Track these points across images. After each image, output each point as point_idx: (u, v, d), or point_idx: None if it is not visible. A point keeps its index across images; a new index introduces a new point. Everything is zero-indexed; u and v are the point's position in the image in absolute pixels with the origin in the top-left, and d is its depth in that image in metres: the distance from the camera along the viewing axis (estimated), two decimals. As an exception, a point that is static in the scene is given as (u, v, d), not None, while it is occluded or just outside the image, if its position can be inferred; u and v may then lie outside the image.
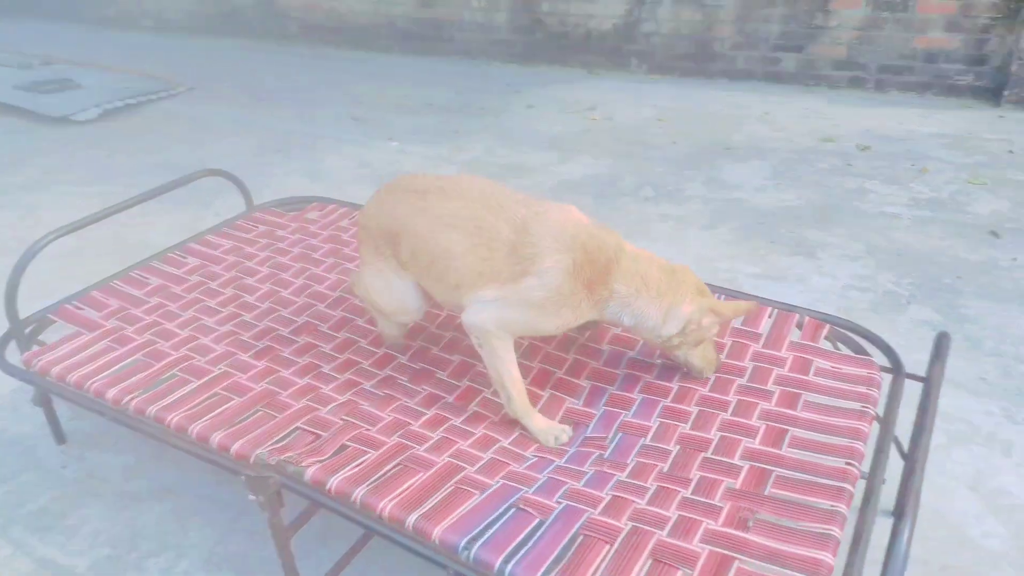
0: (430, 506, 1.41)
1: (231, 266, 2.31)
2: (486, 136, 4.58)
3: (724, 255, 3.11)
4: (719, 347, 1.83)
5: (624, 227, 3.07)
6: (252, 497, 1.47)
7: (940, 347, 1.60)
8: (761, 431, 1.58)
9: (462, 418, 1.71)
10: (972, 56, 4.64)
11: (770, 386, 1.71)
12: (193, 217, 3.46)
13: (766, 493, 1.42)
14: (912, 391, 1.65)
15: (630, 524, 1.37)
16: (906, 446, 1.51)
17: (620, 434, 1.63)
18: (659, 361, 1.83)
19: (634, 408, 1.70)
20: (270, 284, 2.22)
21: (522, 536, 1.34)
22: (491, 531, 1.35)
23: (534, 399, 1.73)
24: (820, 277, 2.93)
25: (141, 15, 7.58)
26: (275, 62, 6.38)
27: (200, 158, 4.23)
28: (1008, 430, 2.15)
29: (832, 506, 1.36)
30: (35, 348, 2.00)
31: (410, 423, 1.67)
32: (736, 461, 1.51)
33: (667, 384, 1.75)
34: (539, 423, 1.66)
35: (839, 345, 1.88)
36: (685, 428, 1.62)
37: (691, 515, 1.38)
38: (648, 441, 1.59)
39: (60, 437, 2.18)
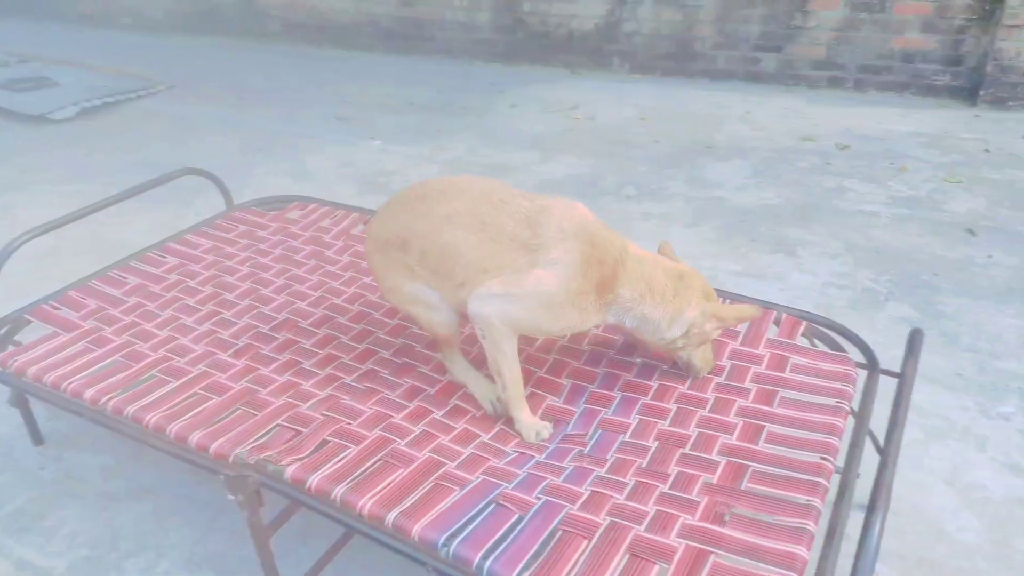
0: (410, 503, 1.41)
1: (210, 265, 2.30)
2: (468, 135, 4.58)
3: (706, 253, 3.13)
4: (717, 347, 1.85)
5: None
6: (231, 497, 1.47)
7: (913, 343, 1.62)
8: (738, 427, 1.59)
9: (443, 411, 1.71)
10: (948, 56, 4.71)
11: (747, 384, 1.73)
12: (173, 216, 3.44)
13: (742, 488, 1.43)
14: (888, 387, 1.67)
15: (608, 519, 1.38)
16: (882, 441, 1.53)
17: (600, 431, 1.64)
18: (638, 360, 1.85)
19: (614, 406, 1.71)
20: (250, 283, 2.21)
21: (501, 532, 1.35)
22: (471, 527, 1.35)
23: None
24: (800, 275, 2.96)
25: (120, 13, 7.50)
26: (257, 61, 6.34)
27: (181, 157, 4.19)
28: (983, 425, 2.18)
29: (807, 501, 1.37)
30: (11, 348, 1.97)
31: (392, 416, 1.67)
32: (714, 456, 1.52)
33: (646, 382, 1.77)
34: (526, 417, 1.66)
35: (816, 342, 1.90)
36: (664, 425, 1.63)
37: (669, 510, 1.39)
38: (627, 438, 1.61)
39: (37, 438, 2.16)
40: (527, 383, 1.80)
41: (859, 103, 4.83)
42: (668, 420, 1.65)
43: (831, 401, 1.63)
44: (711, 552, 1.29)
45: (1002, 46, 4.44)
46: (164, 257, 2.35)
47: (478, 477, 1.49)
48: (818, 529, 1.34)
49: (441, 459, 1.54)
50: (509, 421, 1.68)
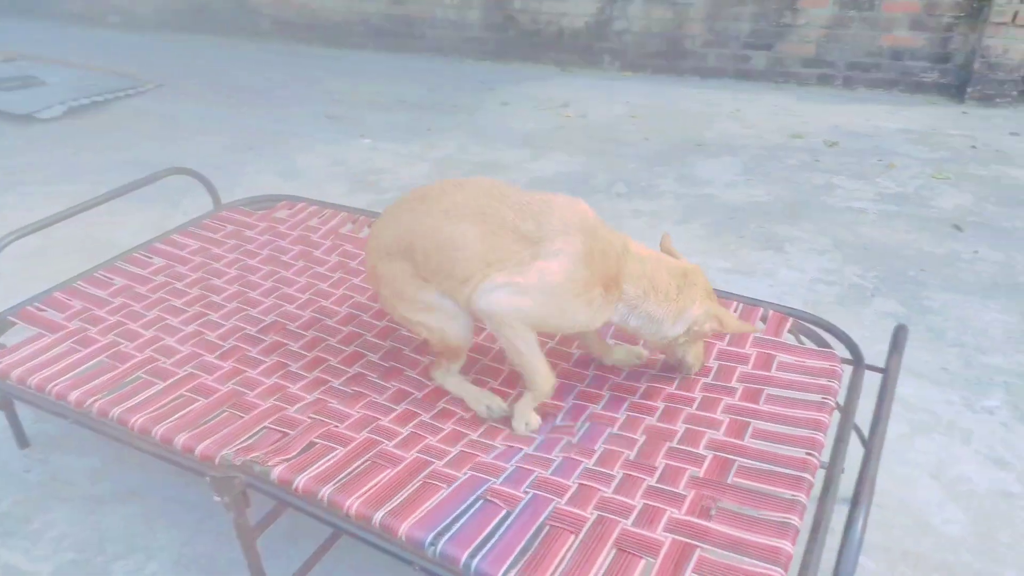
0: (397, 502, 1.41)
1: (197, 266, 2.29)
2: (459, 133, 4.58)
3: (696, 250, 3.14)
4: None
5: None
6: (217, 498, 1.46)
7: (898, 339, 1.63)
8: (725, 423, 1.60)
9: (431, 413, 1.71)
10: (937, 54, 4.73)
11: (734, 383, 1.73)
12: (161, 216, 3.42)
13: (729, 482, 1.44)
14: (874, 382, 1.68)
15: (596, 513, 1.38)
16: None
17: (588, 423, 1.65)
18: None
19: (602, 402, 1.72)
20: (238, 285, 2.20)
21: (489, 528, 1.35)
22: (458, 525, 1.35)
23: (503, 396, 1.75)
24: (788, 271, 2.97)
25: (108, 11, 7.46)
26: (247, 59, 6.32)
27: (170, 156, 4.18)
28: (968, 419, 2.20)
29: (792, 495, 1.38)
30: (-4, 350, 1.96)
31: (379, 419, 1.67)
32: (700, 451, 1.53)
33: (635, 384, 1.78)
34: (526, 408, 1.66)
35: (802, 338, 1.91)
36: (652, 420, 1.64)
37: (656, 503, 1.40)
38: (615, 430, 1.61)
39: (23, 441, 2.14)
40: (515, 383, 1.80)
41: (848, 100, 4.85)
42: (656, 416, 1.65)
43: (817, 397, 1.64)
44: (697, 546, 1.30)
45: (989, 43, 4.46)
46: (150, 258, 2.34)
47: (466, 473, 1.49)
48: (803, 523, 1.35)
49: (429, 458, 1.54)
50: (504, 420, 1.68)
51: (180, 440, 1.58)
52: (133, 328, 1.99)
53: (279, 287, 2.19)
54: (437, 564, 1.31)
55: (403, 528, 1.35)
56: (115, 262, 2.31)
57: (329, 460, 1.52)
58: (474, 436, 1.65)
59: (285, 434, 1.60)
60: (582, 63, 5.72)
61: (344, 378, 1.82)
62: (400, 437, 1.61)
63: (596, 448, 1.56)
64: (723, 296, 2.02)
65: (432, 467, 1.52)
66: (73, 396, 1.72)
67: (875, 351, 1.87)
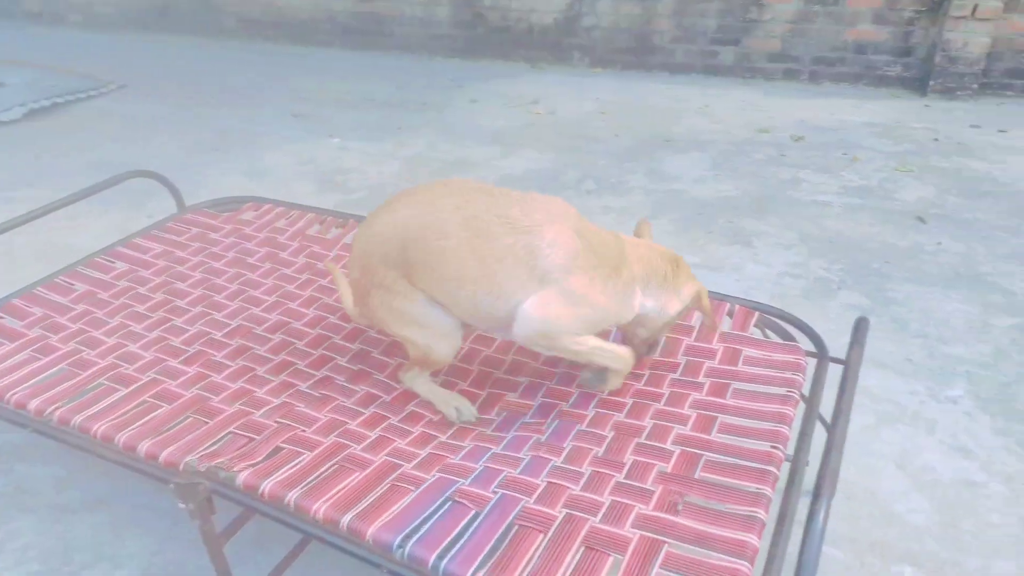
0: (365, 505, 1.40)
1: (161, 270, 2.25)
2: (428, 131, 4.56)
3: (665, 245, 3.14)
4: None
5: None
6: (182, 505, 1.44)
7: (859, 331, 1.66)
8: (692, 419, 1.61)
9: (400, 417, 1.70)
10: (899, 48, 4.81)
11: (701, 378, 1.75)
12: (125, 219, 3.37)
13: (696, 476, 1.45)
14: (839, 374, 1.70)
15: (564, 511, 1.38)
16: (830, 428, 1.56)
17: (557, 421, 1.65)
18: None
19: (571, 400, 1.72)
20: (202, 289, 2.17)
21: (457, 530, 1.34)
22: (426, 527, 1.35)
23: (472, 397, 1.74)
24: (755, 265, 3.01)
25: (69, 10, 7.31)
26: (212, 58, 6.23)
27: (134, 157, 4.11)
28: (932, 409, 2.24)
29: (758, 488, 1.40)
30: (-47, 360, 1.91)
31: (347, 423, 1.66)
32: (668, 446, 1.54)
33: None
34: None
35: (768, 332, 1.94)
36: (620, 416, 1.65)
37: (624, 500, 1.40)
38: (584, 427, 1.62)
39: (-16, 451, 2.10)
40: (485, 385, 1.80)
41: (814, 95, 4.92)
42: (624, 412, 1.66)
43: (781, 391, 1.66)
44: (664, 541, 1.31)
45: (950, 37, 4.55)
46: (113, 262, 2.30)
47: (434, 475, 1.49)
48: (769, 516, 1.37)
49: (397, 461, 1.54)
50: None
51: (143, 447, 1.55)
52: (95, 335, 1.95)
53: (245, 290, 2.16)
54: (405, 566, 1.30)
55: (371, 531, 1.34)
56: (76, 267, 2.26)
57: (296, 465, 1.50)
58: (444, 438, 1.64)
59: (251, 439, 1.58)
60: (551, 60, 5.73)
61: (311, 381, 1.80)
62: (368, 440, 1.60)
63: (565, 446, 1.56)
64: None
65: (400, 470, 1.51)
66: (33, 405, 1.68)
67: (840, 343, 1.89)
